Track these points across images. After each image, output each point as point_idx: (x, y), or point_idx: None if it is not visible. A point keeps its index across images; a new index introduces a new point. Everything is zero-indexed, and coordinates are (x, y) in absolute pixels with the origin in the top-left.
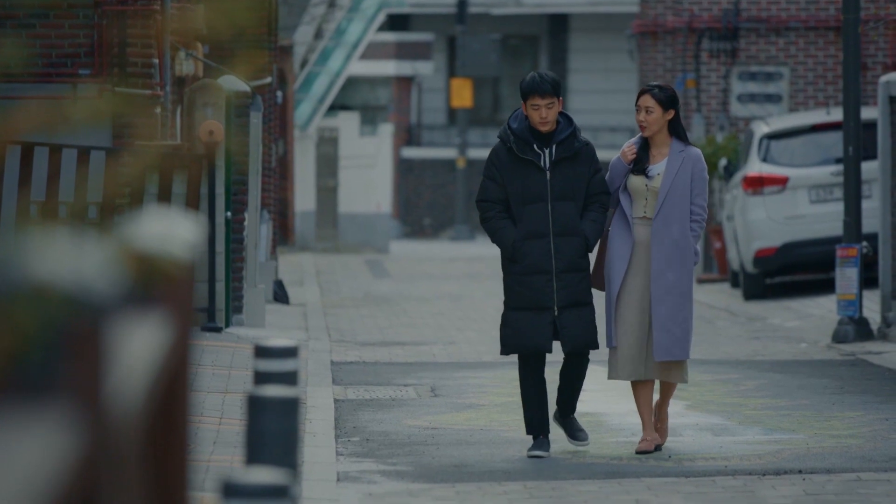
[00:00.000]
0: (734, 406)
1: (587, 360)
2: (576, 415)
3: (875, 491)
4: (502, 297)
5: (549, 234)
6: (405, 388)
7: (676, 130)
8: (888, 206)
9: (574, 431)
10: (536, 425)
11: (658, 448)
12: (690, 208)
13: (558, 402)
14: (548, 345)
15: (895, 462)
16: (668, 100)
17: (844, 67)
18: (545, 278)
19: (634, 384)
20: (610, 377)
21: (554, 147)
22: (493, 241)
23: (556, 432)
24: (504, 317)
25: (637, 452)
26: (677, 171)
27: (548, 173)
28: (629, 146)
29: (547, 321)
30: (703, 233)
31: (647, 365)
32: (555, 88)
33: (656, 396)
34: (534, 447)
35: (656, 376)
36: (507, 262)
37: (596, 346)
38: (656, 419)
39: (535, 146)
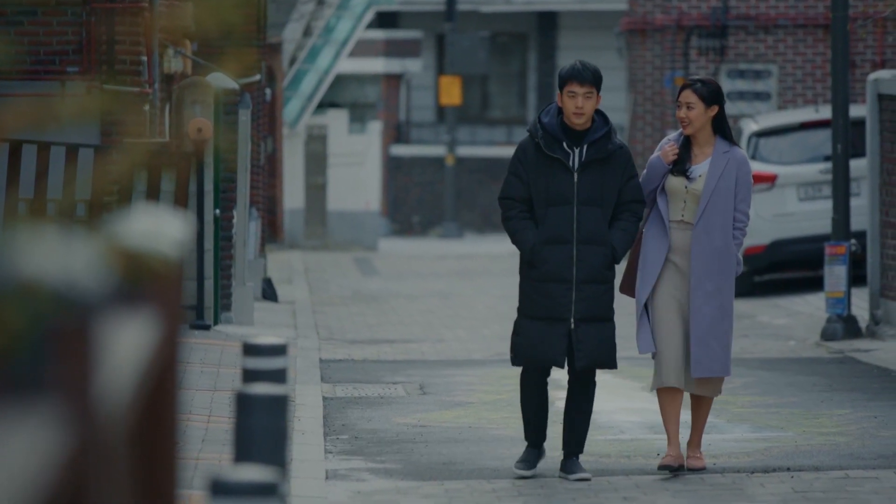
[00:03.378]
0: (722, 404)
1: (594, 385)
2: (556, 413)
3: (863, 488)
4: (492, 295)
5: (572, 241)
6: (394, 386)
7: (721, 128)
8: (876, 203)
9: (577, 470)
10: (532, 435)
11: (681, 467)
12: (734, 215)
13: (566, 441)
14: (560, 359)
15: (883, 459)
16: (710, 95)
17: (833, 65)
18: (564, 287)
19: (662, 394)
20: (654, 385)
21: (585, 147)
22: (513, 241)
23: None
24: (517, 324)
25: (659, 468)
26: (721, 174)
27: (576, 175)
28: (671, 145)
29: (562, 333)
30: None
31: (686, 376)
32: (596, 79)
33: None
34: (520, 462)
35: (691, 389)
36: (525, 266)
37: (614, 366)
38: (691, 443)
39: (564, 144)
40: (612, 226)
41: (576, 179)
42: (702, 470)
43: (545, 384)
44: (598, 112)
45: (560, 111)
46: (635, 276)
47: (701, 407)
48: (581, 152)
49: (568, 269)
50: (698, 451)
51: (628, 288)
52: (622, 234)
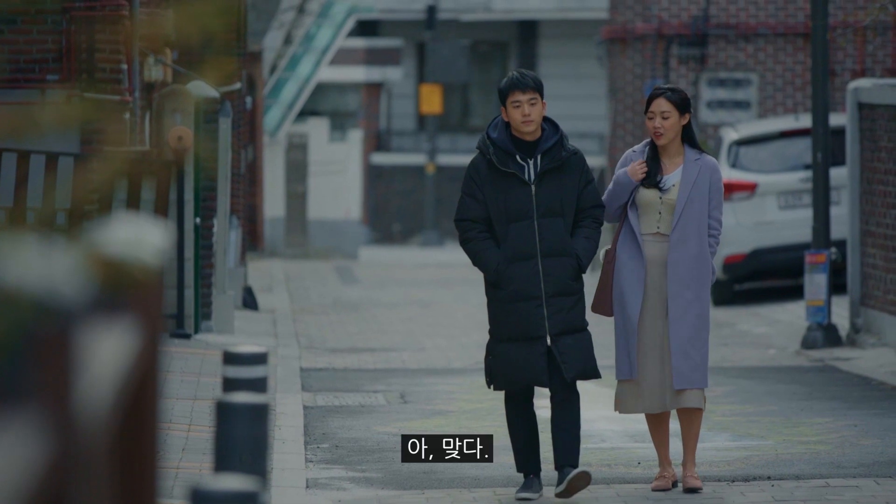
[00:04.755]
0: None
1: (578, 396)
2: (544, 419)
3: (844, 497)
4: (472, 304)
5: (536, 256)
6: (374, 395)
7: (690, 137)
8: (857, 212)
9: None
10: (526, 463)
11: (675, 484)
12: (709, 222)
13: (557, 455)
14: (544, 378)
15: (864, 468)
16: (682, 102)
17: (813, 74)
18: (534, 304)
19: (650, 418)
20: (623, 411)
21: (539, 157)
22: (475, 264)
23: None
24: (490, 348)
25: (653, 490)
26: (694, 182)
27: (533, 187)
28: (639, 162)
29: (540, 352)
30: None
31: (669, 395)
32: (537, 84)
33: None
34: (523, 488)
35: (674, 405)
36: (491, 288)
37: (598, 375)
38: (686, 462)
39: (517, 157)
40: (574, 234)
41: (534, 192)
42: (698, 490)
43: (531, 406)
44: (548, 120)
45: (507, 125)
46: (609, 294)
47: (691, 423)
48: (535, 163)
49: (536, 285)
50: (694, 470)
51: (601, 306)
52: (586, 241)
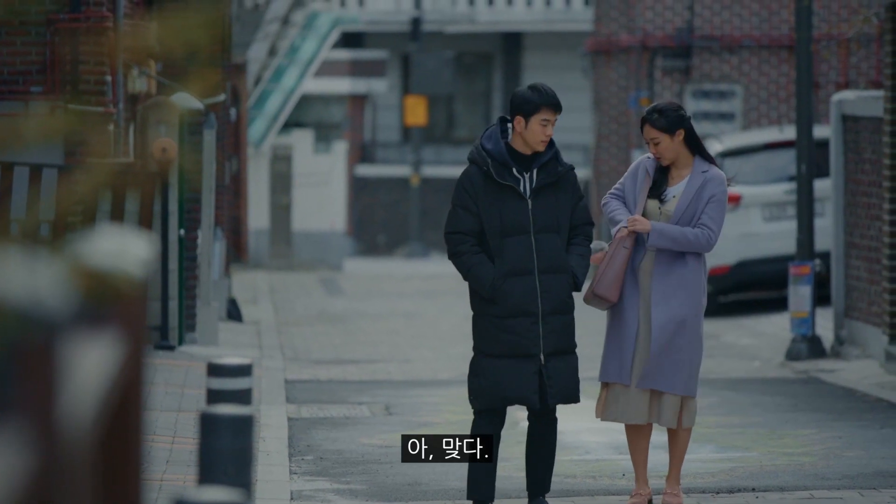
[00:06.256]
0: None
1: (556, 421)
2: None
3: None
4: (457, 315)
5: (533, 271)
6: (359, 407)
7: (696, 148)
8: (841, 224)
9: None
10: (482, 490)
11: (651, 502)
12: (697, 224)
13: (531, 482)
14: (535, 398)
15: (848, 480)
16: (671, 124)
17: (797, 86)
18: (530, 321)
19: (630, 429)
20: (606, 418)
21: (535, 172)
22: (467, 279)
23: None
24: (476, 365)
25: None
26: (695, 194)
27: (529, 202)
28: (624, 230)
29: (533, 370)
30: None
31: (654, 406)
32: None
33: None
34: None
35: (656, 419)
36: (482, 303)
37: (578, 400)
38: (669, 477)
39: (514, 170)
40: (567, 251)
41: (530, 206)
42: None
43: (500, 432)
44: None
45: (503, 135)
46: (621, 277)
47: (677, 440)
48: (531, 178)
49: (533, 301)
50: (676, 488)
51: (607, 290)
52: (580, 259)
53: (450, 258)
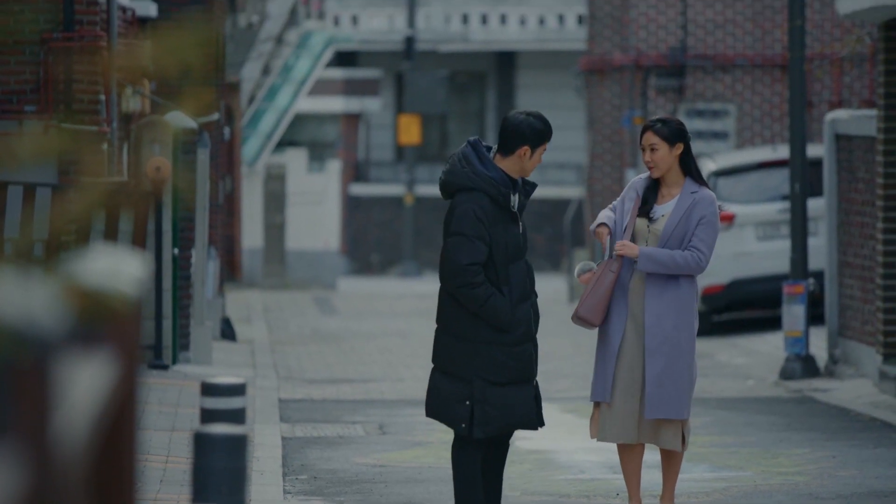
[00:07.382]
0: None
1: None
2: (524, 451)
3: None
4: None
5: (530, 296)
6: (353, 426)
7: (688, 168)
8: (834, 243)
9: None
10: None
11: None
12: (688, 247)
13: (489, 499)
14: (535, 420)
15: (842, 499)
16: (673, 134)
17: (791, 105)
18: (533, 346)
19: (622, 448)
20: (600, 438)
21: (518, 195)
22: (481, 311)
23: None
24: (483, 393)
25: None
26: (684, 214)
27: (521, 225)
28: (603, 230)
29: (533, 394)
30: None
31: (640, 427)
32: None
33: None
34: None
35: (648, 440)
36: (492, 332)
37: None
38: (663, 497)
39: (509, 195)
40: None
41: (521, 230)
42: None
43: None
44: None
45: (482, 159)
46: (607, 300)
47: (671, 460)
48: (515, 202)
49: (535, 325)
50: None
51: (593, 313)
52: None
53: (459, 289)
